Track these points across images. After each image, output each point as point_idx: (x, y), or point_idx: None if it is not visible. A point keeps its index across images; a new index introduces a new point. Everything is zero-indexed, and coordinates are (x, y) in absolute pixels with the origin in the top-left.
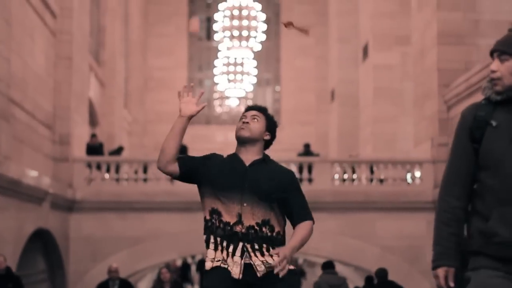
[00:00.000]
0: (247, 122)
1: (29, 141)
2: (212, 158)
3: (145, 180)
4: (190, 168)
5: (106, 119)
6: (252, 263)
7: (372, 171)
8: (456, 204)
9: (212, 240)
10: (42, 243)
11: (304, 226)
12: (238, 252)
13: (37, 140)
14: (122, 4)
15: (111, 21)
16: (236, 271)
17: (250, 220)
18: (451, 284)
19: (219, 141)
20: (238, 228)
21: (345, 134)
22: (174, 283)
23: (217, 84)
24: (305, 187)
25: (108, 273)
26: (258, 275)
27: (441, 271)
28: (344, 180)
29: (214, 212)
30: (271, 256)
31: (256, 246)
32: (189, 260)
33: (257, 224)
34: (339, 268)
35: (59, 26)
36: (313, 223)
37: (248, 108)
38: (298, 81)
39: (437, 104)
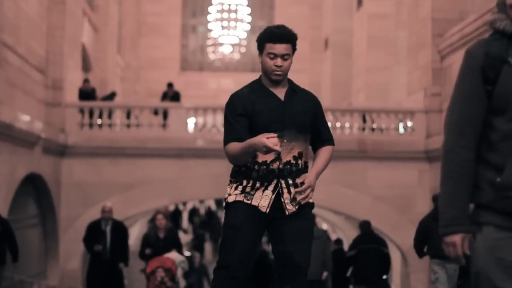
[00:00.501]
0: (281, 66)
1: (22, 86)
2: (246, 108)
3: (137, 126)
4: (248, 130)
5: (99, 64)
6: (282, 200)
7: (364, 120)
8: (469, 156)
9: (244, 183)
10: (34, 188)
11: (326, 151)
12: (271, 187)
13: (30, 85)
14: None
15: None
16: (264, 204)
17: (287, 155)
18: (468, 252)
19: (212, 88)
20: (275, 165)
21: (338, 82)
22: (169, 231)
23: (210, 30)
24: None
25: (101, 212)
26: (287, 213)
27: (458, 238)
28: (336, 128)
29: (253, 157)
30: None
31: (290, 181)
32: (181, 207)
33: (294, 157)
34: (330, 216)
35: None
36: (333, 148)
37: (276, 39)
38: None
39: (430, 54)
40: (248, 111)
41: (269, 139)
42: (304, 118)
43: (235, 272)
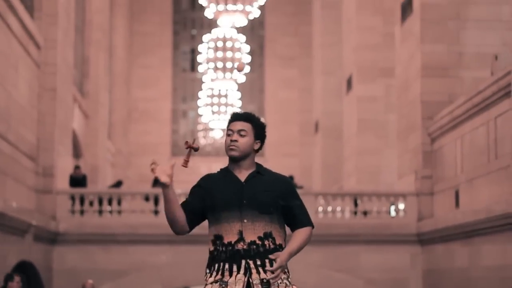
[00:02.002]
0: (236, 140)
1: (12, 173)
2: (206, 184)
3: (129, 212)
4: (198, 213)
5: (90, 150)
6: (251, 281)
7: (356, 204)
8: None
9: (215, 268)
10: (26, 275)
11: (303, 232)
12: (242, 270)
13: (21, 172)
14: (106, 36)
15: (95, 52)
16: None
17: (251, 235)
18: None
19: (203, 173)
20: (239, 246)
21: (329, 166)
22: None
23: (201, 115)
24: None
25: None
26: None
27: None
28: (328, 212)
29: (217, 238)
30: (272, 272)
31: (259, 262)
32: None
33: (259, 238)
34: None
35: (43, 57)
36: (312, 228)
37: (233, 118)
38: (282, 113)
39: (420, 136)
40: (208, 190)
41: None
42: (266, 198)
43: None
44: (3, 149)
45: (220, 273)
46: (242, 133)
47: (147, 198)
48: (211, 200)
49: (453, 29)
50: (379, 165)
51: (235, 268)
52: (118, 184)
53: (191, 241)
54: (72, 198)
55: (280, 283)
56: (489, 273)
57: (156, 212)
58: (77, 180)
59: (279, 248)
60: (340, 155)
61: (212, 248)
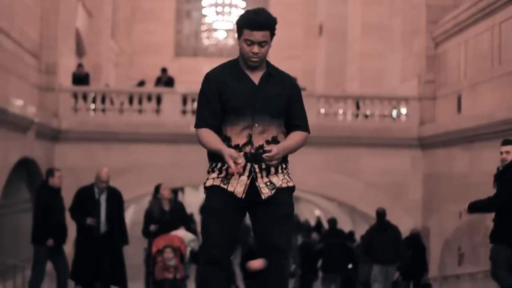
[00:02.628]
0: (257, 53)
1: (15, 70)
2: (217, 84)
3: (130, 111)
4: (220, 113)
5: (93, 49)
6: (257, 184)
7: (358, 107)
8: None
9: (218, 166)
10: (27, 172)
11: (299, 134)
12: (246, 173)
13: (23, 69)
14: None
15: None
16: (239, 190)
17: (259, 139)
18: None
19: (203, 72)
20: (247, 149)
21: (332, 69)
22: (174, 202)
23: (205, 16)
24: None
25: (96, 181)
26: (263, 197)
27: None
28: (329, 115)
29: (225, 139)
30: (277, 174)
31: (263, 166)
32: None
33: (267, 141)
34: (323, 203)
35: None
36: (308, 134)
37: (255, 26)
38: (286, 16)
39: (425, 40)
40: (220, 92)
41: (234, 160)
42: (278, 102)
43: (216, 257)
44: (6, 46)
45: (224, 171)
46: (263, 44)
47: (149, 98)
48: (224, 100)
49: None
50: (382, 69)
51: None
52: (141, 83)
53: (192, 141)
54: (75, 96)
55: (283, 179)
56: (489, 178)
57: (157, 111)
58: (80, 78)
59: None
60: (344, 58)
61: None
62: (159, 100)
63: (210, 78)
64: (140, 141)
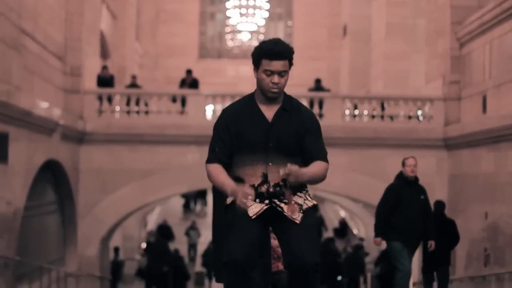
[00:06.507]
0: (278, 83)
1: (40, 72)
2: (231, 123)
3: (156, 113)
4: (230, 151)
5: (117, 51)
6: (288, 214)
7: (383, 108)
8: None
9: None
10: (52, 174)
11: (319, 163)
12: (264, 202)
13: (48, 71)
14: None
15: None
16: (254, 210)
17: (276, 178)
18: None
19: (230, 75)
20: (263, 188)
21: (357, 70)
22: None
23: (229, 17)
24: None
25: None
26: (298, 222)
27: None
28: (354, 116)
29: (236, 180)
30: (299, 195)
31: (282, 197)
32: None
33: (283, 179)
34: (348, 204)
35: None
36: (328, 166)
37: (275, 55)
38: (310, 16)
39: (449, 41)
40: (233, 130)
41: (243, 198)
42: (292, 141)
43: (241, 265)
44: (31, 48)
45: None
46: (283, 73)
47: (174, 99)
48: (237, 141)
49: None
50: (406, 70)
51: (257, 200)
52: (133, 85)
53: None
54: (100, 98)
55: (305, 200)
56: None
57: (182, 113)
58: (105, 80)
59: (301, 186)
60: (368, 59)
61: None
62: (183, 101)
63: (224, 115)
64: (165, 142)
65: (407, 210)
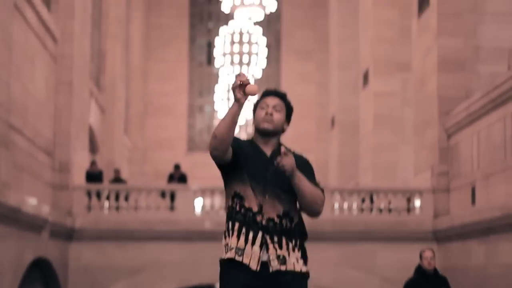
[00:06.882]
0: (271, 114)
1: (29, 169)
2: (240, 142)
3: (145, 208)
4: (235, 151)
5: (106, 145)
6: (268, 255)
7: (372, 200)
8: None
9: (230, 227)
10: (41, 273)
11: (315, 188)
12: (258, 242)
13: (37, 167)
14: (123, 29)
15: (112, 45)
16: (254, 264)
17: (271, 212)
18: None
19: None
20: (259, 218)
21: (345, 162)
22: None
23: (217, 110)
24: (304, 216)
25: None
26: (270, 269)
27: None
28: (344, 209)
29: (236, 195)
30: (293, 251)
31: (275, 239)
32: None
33: (278, 216)
34: None
35: (59, 50)
36: (324, 200)
37: (268, 93)
38: (298, 108)
39: (437, 132)
40: (240, 149)
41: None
42: (287, 179)
43: None
44: (19, 144)
45: (236, 235)
46: (277, 108)
47: (163, 194)
48: (241, 161)
49: (470, 23)
50: (395, 161)
51: (251, 235)
52: (117, 179)
53: (207, 238)
54: (89, 194)
55: (298, 259)
56: (506, 271)
57: (172, 208)
58: (94, 176)
59: (295, 226)
60: (356, 151)
61: (230, 203)
62: (172, 197)
63: (236, 138)
64: (154, 238)
65: None
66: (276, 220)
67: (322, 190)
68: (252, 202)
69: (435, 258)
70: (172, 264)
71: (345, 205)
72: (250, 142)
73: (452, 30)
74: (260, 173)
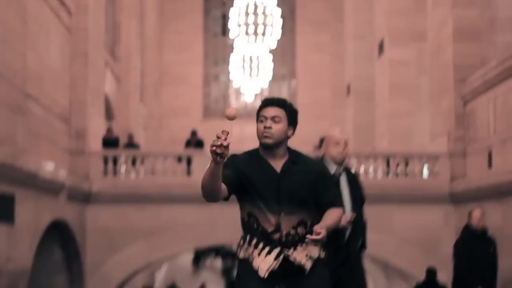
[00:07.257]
0: (270, 127)
1: (46, 135)
2: (239, 165)
3: (161, 173)
4: (235, 185)
5: (122, 113)
6: (297, 263)
7: (388, 165)
8: None
9: (248, 238)
10: (59, 234)
11: (334, 211)
12: (273, 254)
13: (54, 134)
14: (137, 1)
15: (127, 18)
16: (263, 268)
17: (287, 226)
18: None
19: (235, 135)
20: (276, 236)
21: (361, 128)
22: None
23: (232, 80)
24: None
25: None
26: (307, 269)
27: None
28: (360, 173)
29: (251, 215)
30: (303, 251)
31: (291, 250)
32: None
33: (293, 227)
34: None
35: (74, 23)
36: (342, 211)
37: (266, 104)
38: (313, 76)
39: (453, 99)
40: (241, 172)
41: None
42: (302, 192)
43: None
44: (36, 112)
45: (252, 246)
46: (276, 119)
47: (179, 159)
48: (248, 184)
49: None
50: (411, 127)
51: (267, 249)
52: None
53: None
54: (105, 159)
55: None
56: None
57: (188, 173)
58: (110, 142)
59: (310, 228)
60: (372, 118)
61: (246, 218)
62: (189, 161)
63: (231, 158)
64: (171, 201)
65: (477, 266)
66: (292, 231)
67: (338, 200)
68: (268, 223)
69: (484, 218)
70: (187, 226)
71: (362, 169)
72: (256, 156)
73: (467, 0)
74: (271, 192)
